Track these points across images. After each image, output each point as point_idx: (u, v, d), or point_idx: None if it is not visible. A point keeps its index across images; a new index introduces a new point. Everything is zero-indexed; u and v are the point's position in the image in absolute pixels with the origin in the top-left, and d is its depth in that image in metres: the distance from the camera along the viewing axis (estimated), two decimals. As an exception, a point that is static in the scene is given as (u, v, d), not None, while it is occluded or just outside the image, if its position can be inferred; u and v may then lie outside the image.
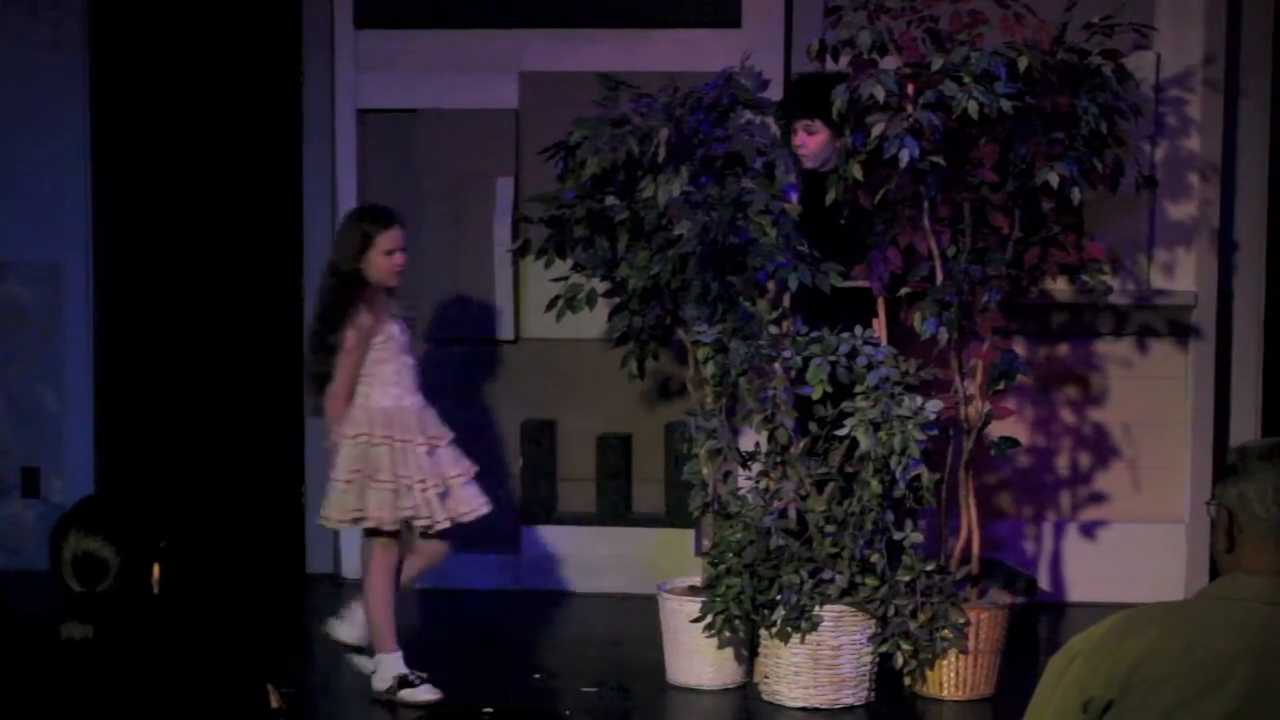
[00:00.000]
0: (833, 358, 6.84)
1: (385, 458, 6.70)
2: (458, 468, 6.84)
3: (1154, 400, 8.45)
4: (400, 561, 6.87)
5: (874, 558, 6.83)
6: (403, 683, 6.81)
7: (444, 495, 6.78)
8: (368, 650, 6.93)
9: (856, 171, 6.90)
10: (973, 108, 6.65)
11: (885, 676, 6.92)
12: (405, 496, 6.70)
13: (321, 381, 6.79)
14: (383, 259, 6.76)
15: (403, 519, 6.76)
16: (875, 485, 6.78)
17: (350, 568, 8.88)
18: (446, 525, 6.81)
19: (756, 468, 7.00)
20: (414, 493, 6.70)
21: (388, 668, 6.84)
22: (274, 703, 3.94)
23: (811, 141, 7.29)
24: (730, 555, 6.85)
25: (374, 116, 8.75)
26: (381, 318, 6.76)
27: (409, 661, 6.84)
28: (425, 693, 6.81)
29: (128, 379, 9.29)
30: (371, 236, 6.77)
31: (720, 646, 6.89)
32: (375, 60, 8.69)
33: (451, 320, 8.69)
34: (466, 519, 6.86)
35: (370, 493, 6.70)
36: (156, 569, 3.77)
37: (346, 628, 7.03)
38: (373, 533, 6.81)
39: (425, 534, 6.87)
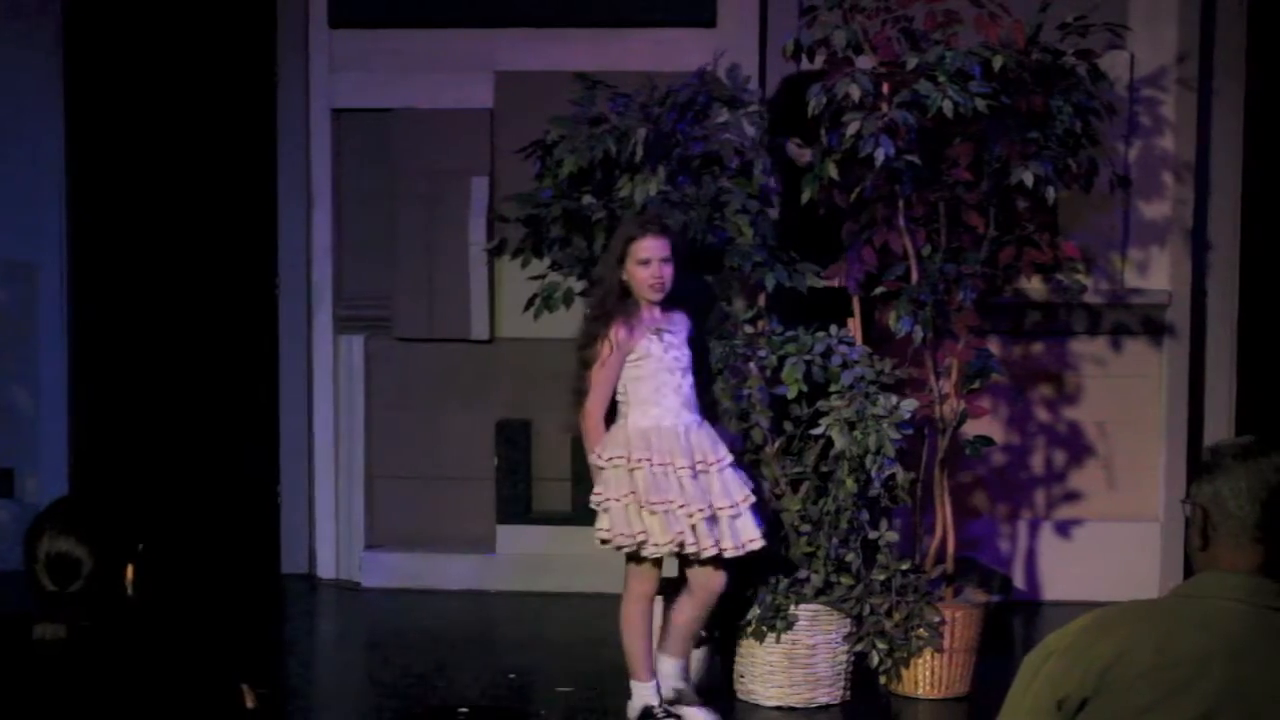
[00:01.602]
0: (808, 357, 6.85)
1: (644, 481, 6.33)
2: (729, 497, 6.38)
3: (1128, 399, 8.47)
4: (675, 594, 6.54)
5: (849, 557, 6.84)
6: (646, 715, 6.50)
7: (713, 521, 6.36)
8: (686, 698, 6.58)
9: (832, 171, 6.90)
10: (947, 107, 6.65)
11: (861, 675, 6.92)
12: (673, 522, 6.31)
13: (580, 397, 6.49)
14: (638, 269, 6.40)
15: (671, 547, 6.36)
16: (850, 484, 6.79)
17: (325, 568, 8.88)
18: (714, 554, 6.35)
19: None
20: (677, 518, 6.31)
21: (638, 697, 6.53)
22: (249, 703, 3.94)
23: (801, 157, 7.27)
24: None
25: (349, 116, 8.74)
26: (638, 333, 6.43)
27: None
28: None
29: (103, 379, 9.27)
30: (628, 245, 6.45)
31: (695, 646, 6.88)
32: (350, 59, 8.68)
33: (427, 319, 8.68)
34: (730, 553, 6.38)
35: (643, 516, 6.34)
36: (130, 570, 3.76)
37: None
38: (631, 558, 6.45)
39: (691, 563, 6.47)
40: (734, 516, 6.38)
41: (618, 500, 6.34)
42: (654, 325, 6.44)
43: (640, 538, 6.34)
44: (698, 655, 6.81)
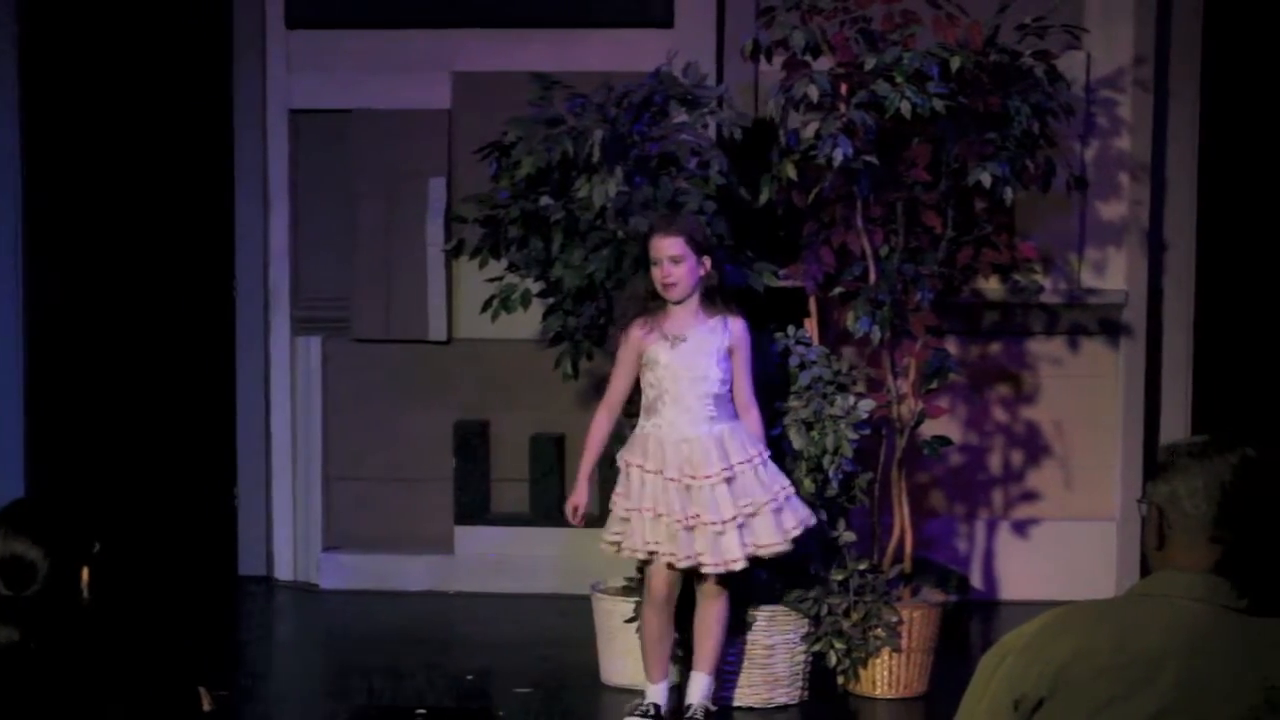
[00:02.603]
0: (765, 357, 6.86)
1: (633, 485, 6.42)
2: (716, 513, 6.33)
3: (1085, 398, 8.49)
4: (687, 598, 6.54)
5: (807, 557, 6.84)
6: (630, 710, 6.53)
7: (692, 533, 6.35)
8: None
9: (790, 171, 6.91)
10: (905, 108, 6.66)
11: (819, 675, 6.93)
12: (646, 529, 6.36)
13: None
14: (652, 269, 6.39)
15: (643, 553, 6.41)
16: (808, 484, 6.80)
17: (282, 570, 8.86)
18: (689, 565, 6.37)
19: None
20: (652, 525, 6.35)
21: (647, 694, 6.59)
22: (206, 705, 3.92)
23: None
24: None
25: (306, 117, 8.72)
26: (653, 336, 6.42)
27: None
28: None
29: (58, 381, 9.22)
30: (646, 244, 6.49)
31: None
32: (307, 60, 8.66)
33: (385, 320, 8.66)
34: (709, 569, 6.38)
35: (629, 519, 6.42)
36: (86, 573, 3.73)
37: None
38: (643, 562, 6.50)
39: (694, 576, 6.47)
40: (719, 534, 6.35)
41: (615, 501, 6.47)
42: (675, 332, 6.40)
43: (615, 538, 6.46)
44: None
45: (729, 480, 6.37)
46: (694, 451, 6.36)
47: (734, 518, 6.35)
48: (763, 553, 6.44)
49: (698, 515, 6.33)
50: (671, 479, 6.35)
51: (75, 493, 8.54)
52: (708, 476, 6.35)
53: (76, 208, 9.41)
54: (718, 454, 6.36)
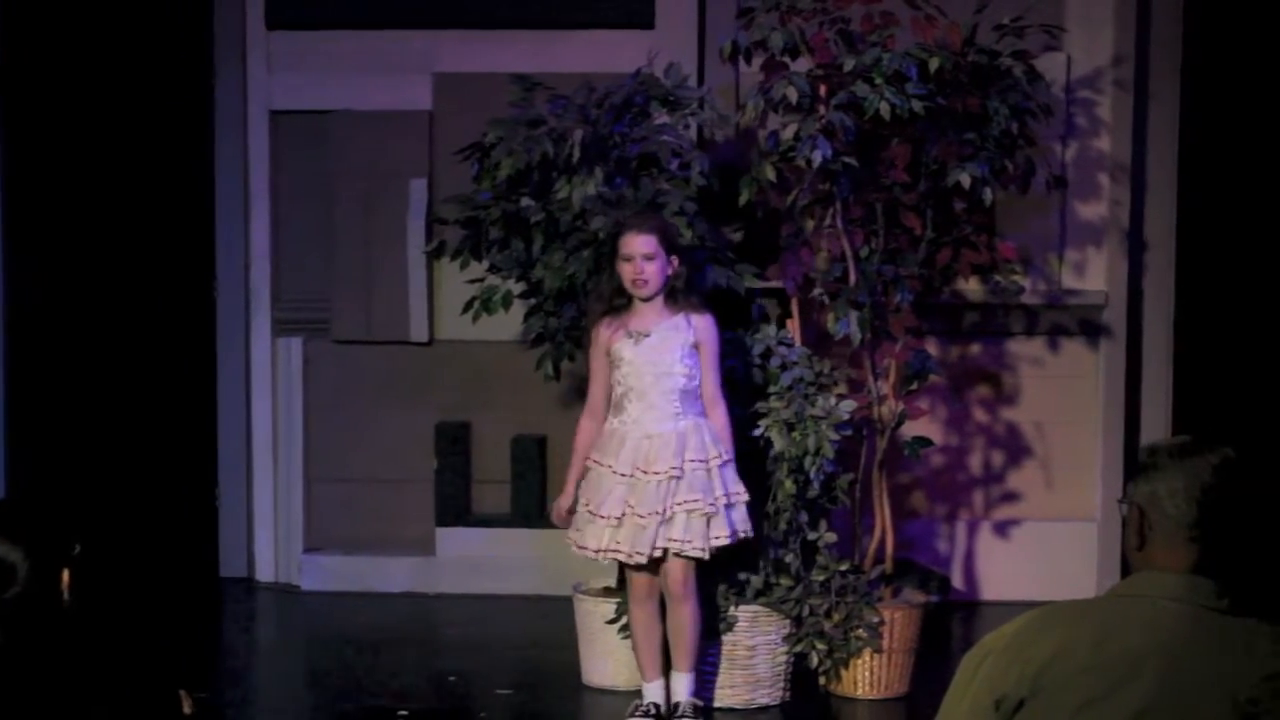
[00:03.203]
0: (747, 358, 6.86)
1: (592, 484, 6.46)
2: (647, 505, 6.32)
3: (1065, 399, 8.50)
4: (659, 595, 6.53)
5: (788, 558, 6.84)
6: (632, 711, 6.54)
7: (639, 527, 6.34)
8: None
9: (769, 173, 6.91)
10: (884, 109, 6.67)
11: (800, 676, 6.93)
12: (593, 525, 6.42)
13: None
14: (622, 265, 6.40)
15: (589, 551, 6.44)
16: (789, 485, 6.80)
17: (263, 571, 8.84)
18: (640, 560, 6.37)
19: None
20: (594, 522, 6.41)
21: (644, 694, 6.59)
22: (186, 708, 3.91)
23: None
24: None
25: (286, 118, 8.70)
26: (618, 334, 6.45)
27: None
28: None
29: (38, 381, 9.19)
30: (617, 240, 6.47)
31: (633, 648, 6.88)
32: (287, 61, 8.64)
33: (366, 322, 8.65)
34: (621, 558, 6.42)
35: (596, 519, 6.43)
36: (66, 574, 3.73)
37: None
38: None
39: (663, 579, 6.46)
40: (641, 527, 6.33)
41: (583, 505, 6.49)
42: (639, 328, 6.43)
43: (574, 535, 6.49)
44: None
45: (676, 478, 6.35)
46: (653, 447, 6.36)
47: (662, 511, 6.33)
48: (692, 552, 6.36)
49: (632, 507, 6.34)
50: (621, 474, 6.36)
51: (55, 494, 8.52)
52: (656, 472, 6.34)
53: (56, 208, 9.38)
54: (675, 449, 6.36)
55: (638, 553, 6.36)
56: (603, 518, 6.38)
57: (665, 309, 6.46)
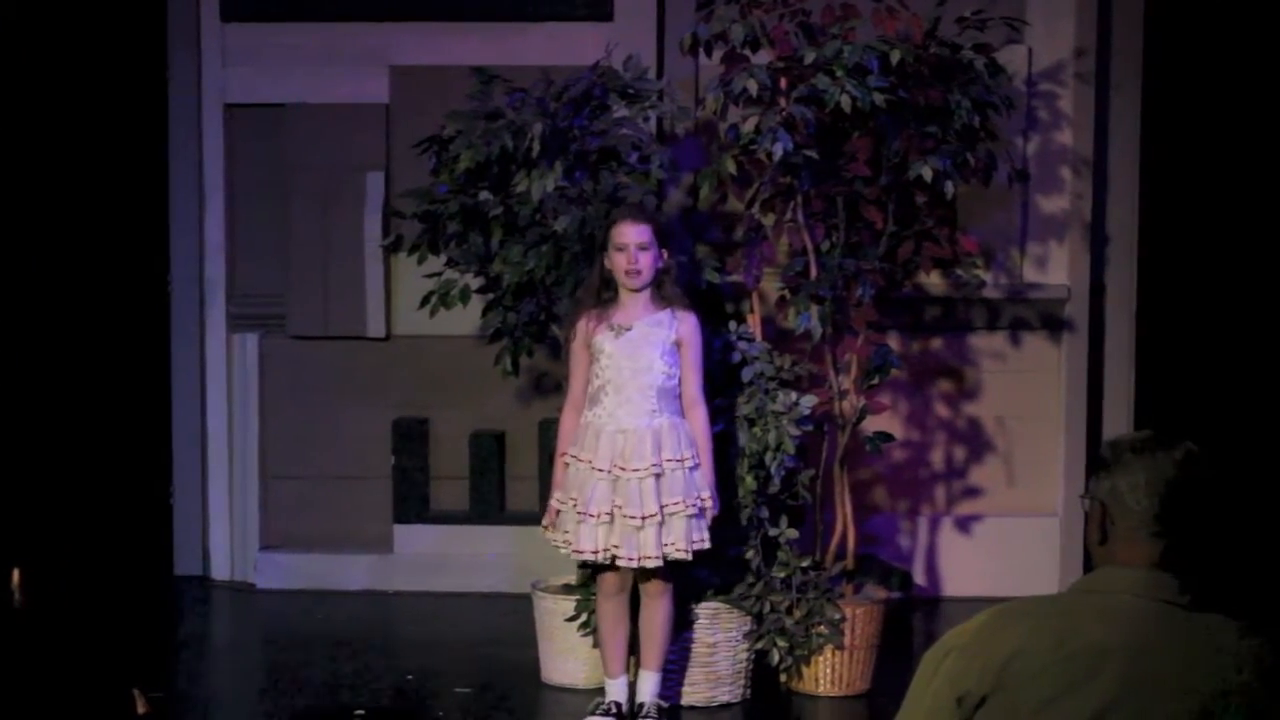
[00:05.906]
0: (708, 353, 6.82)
1: (568, 478, 6.39)
2: (639, 507, 6.26)
3: (1027, 394, 8.49)
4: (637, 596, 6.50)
5: (749, 554, 6.81)
6: (593, 708, 6.51)
7: (614, 527, 6.29)
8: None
9: (730, 166, 6.87)
10: (845, 102, 6.65)
11: (761, 673, 6.91)
12: (570, 521, 6.37)
13: None
14: (615, 255, 6.34)
15: (565, 542, 6.40)
16: (750, 481, 6.77)
17: (219, 570, 8.78)
18: (619, 560, 6.32)
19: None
20: (585, 521, 6.31)
21: (607, 691, 6.55)
22: (140, 708, 3.87)
23: None
24: (605, 553, 6.80)
25: (241, 111, 8.65)
26: (599, 327, 6.39)
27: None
28: None
29: (-11, 377, 9.14)
30: (608, 231, 6.41)
31: (594, 645, 6.84)
32: (242, 54, 8.59)
33: (322, 317, 8.60)
34: (624, 563, 6.32)
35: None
36: (17, 574, 3.68)
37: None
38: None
39: (639, 574, 6.43)
40: (637, 528, 6.29)
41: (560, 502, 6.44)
42: (621, 322, 6.37)
43: (566, 536, 6.41)
44: None
45: (657, 476, 6.30)
46: (628, 443, 6.31)
47: (655, 514, 6.28)
48: (676, 555, 6.32)
49: (620, 507, 6.28)
50: (600, 470, 6.30)
51: (6, 493, 8.46)
52: (636, 470, 6.29)
53: (8, 202, 9.32)
54: (651, 447, 6.31)
55: (645, 557, 6.29)
56: (592, 516, 6.30)
57: (651, 303, 6.41)
